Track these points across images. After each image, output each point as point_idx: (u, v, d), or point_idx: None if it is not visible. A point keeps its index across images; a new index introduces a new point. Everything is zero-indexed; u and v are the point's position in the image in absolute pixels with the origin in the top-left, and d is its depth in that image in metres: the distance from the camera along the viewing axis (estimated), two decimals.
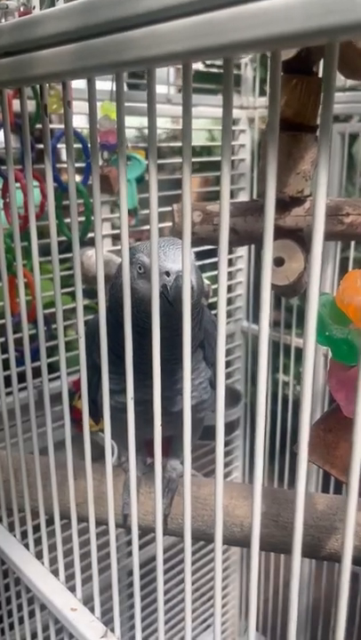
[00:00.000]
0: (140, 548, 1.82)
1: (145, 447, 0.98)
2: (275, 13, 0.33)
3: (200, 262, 1.72)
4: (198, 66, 2.04)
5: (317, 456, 0.60)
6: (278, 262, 0.91)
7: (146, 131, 1.86)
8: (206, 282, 1.64)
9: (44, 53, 0.51)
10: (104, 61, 0.46)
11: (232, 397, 2.06)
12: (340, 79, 1.56)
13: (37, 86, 1.05)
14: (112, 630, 0.72)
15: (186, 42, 0.39)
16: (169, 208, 1.15)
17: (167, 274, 0.76)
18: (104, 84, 1.49)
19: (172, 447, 0.98)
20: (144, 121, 1.68)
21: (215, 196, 1.94)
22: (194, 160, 2.22)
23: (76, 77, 0.53)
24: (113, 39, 0.44)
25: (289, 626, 0.45)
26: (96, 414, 0.87)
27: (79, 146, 1.37)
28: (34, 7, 0.65)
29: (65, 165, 1.47)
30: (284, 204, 0.94)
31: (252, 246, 2.00)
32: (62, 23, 0.48)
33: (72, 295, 1.66)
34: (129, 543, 1.82)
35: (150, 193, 0.48)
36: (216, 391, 0.50)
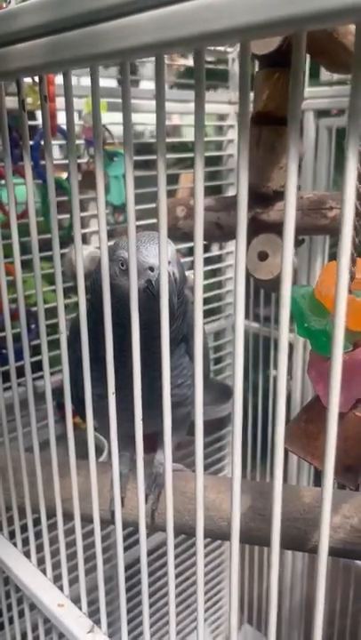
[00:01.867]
0: (132, 545, 1.82)
1: (132, 443, 0.98)
2: (240, 4, 0.33)
3: (189, 259, 1.72)
4: (190, 62, 2.03)
5: (298, 447, 0.60)
6: (262, 256, 0.91)
7: (136, 127, 1.85)
8: (193, 277, 1.64)
9: (19, 47, 0.51)
10: (78, 54, 0.46)
11: (224, 393, 2.05)
12: (326, 73, 1.56)
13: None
14: (100, 626, 0.72)
15: (157, 33, 0.39)
16: None
17: (151, 269, 0.76)
18: (89, 80, 1.48)
19: (159, 442, 0.98)
20: (135, 117, 1.67)
21: (209, 192, 1.93)
22: (185, 156, 2.22)
23: (52, 71, 0.53)
24: (86, 32, 0.44)
25: (269, 613, 0.45)
26: (84, 412, 0.87)
27: (64, 142, 1.36)
28: (9, 2, 0.65)
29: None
30: (268, 199, 0.94)
31: None
32: (35, 16, 0.48)
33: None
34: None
35: (127, 188, 0.48)
36: (196, 384, 0.50)
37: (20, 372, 0.77)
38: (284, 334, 0.39)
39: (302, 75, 0.35)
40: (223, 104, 1.94)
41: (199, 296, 0.47)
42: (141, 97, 1.64)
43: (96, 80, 0.49)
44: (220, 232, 0.96)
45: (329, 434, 0.37)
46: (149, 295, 0.75)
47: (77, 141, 1.46)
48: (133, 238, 0.50)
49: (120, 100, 1.49)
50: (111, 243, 0.83)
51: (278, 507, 0.42)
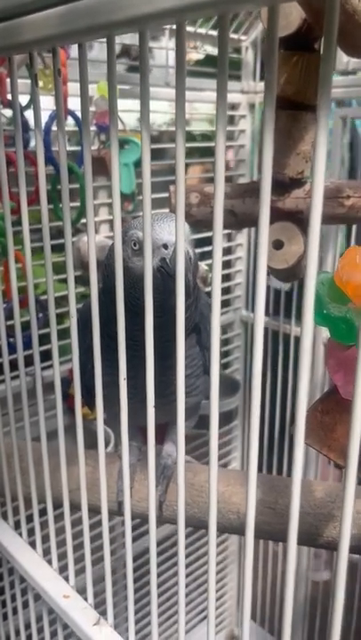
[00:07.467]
0: (139, 537, 1.81)
1: (140, 433, 0.96)
2: None
3: (199, 250, 1.69)
4: (199, 55, 2.00)
5: (314, 439, 0.58)
6: (277, 245, 0.89)
7: None
8: (205, 268, 1.62)
9: (33, 17, 0.49)
10: (94, 23, 0.44)
11: (231, 387, 2.05)
12: (342, 62, 1.53)
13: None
14: (106, 618, 0.71)
15: None
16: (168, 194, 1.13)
17: (165, 246, 0.73)
18: (100, 66, 1.46)
19: (167, 433, 0.97)
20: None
21: None
22: (195, 145, 2.18)
23: (67, 42, 0.51)
24: None
25: (284, 614, 0.43)
26: (91, 402, 0.85)
27: (76, 129, 1.34)
28: None
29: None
30: (284, 186, 0.92)
31: (252, 236, 1.97)
32: None
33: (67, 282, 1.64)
34: None
35: (143, 157, 0.46)
36: (210, 376, 0.48)
37: (26, 362, 0.75)
38: (309, 325, 0.37)
39: (335, 38, 0.33)
40: (235, 93, 1.91)
41: (217, 280, 0.45)
42: (152, 84, 1.62)
43: (112, 50, 0.47)
44: (234, 219, 0.94)
45: (354, 428, 0.35)
46: (164, 274, 0.72)
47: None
48: (148, 216, 0.48)
49: (128, 87, 1.45)
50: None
51: (296, 503, 0.40)
